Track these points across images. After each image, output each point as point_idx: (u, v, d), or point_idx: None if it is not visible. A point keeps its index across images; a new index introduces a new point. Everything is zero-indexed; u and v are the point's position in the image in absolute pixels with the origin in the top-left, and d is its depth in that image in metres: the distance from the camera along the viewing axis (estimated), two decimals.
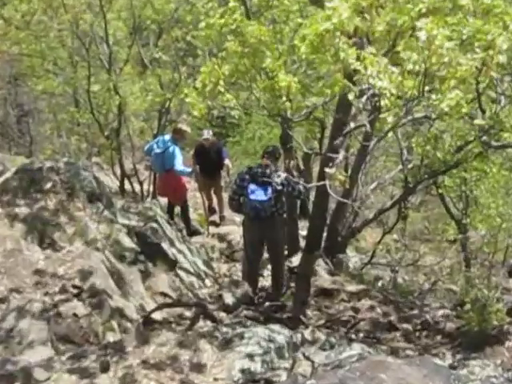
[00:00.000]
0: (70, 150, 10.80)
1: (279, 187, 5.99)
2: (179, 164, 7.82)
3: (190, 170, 8.02)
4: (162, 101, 8.97)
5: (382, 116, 3.77)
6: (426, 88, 3.70)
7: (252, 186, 6.00)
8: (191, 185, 9.91)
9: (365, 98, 4.09)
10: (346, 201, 6.16)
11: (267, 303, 6.10)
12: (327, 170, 3.92)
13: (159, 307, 5.42)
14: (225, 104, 4.75)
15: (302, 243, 7.10)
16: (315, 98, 5.23)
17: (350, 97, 3.72)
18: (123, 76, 9.75)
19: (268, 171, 6.04)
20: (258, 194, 5.96)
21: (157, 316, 5.28)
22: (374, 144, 5.12)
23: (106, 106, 9.17)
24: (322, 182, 4.20)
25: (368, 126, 4.18)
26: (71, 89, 9.85)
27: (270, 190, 5.95)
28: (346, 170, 7.68)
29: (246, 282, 6.19)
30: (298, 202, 7.81)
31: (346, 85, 3.68)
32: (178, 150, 7.87)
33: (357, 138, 6.62)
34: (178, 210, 8.52)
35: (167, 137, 8.14)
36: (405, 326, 5.90)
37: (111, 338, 4.79)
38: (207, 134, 8.88)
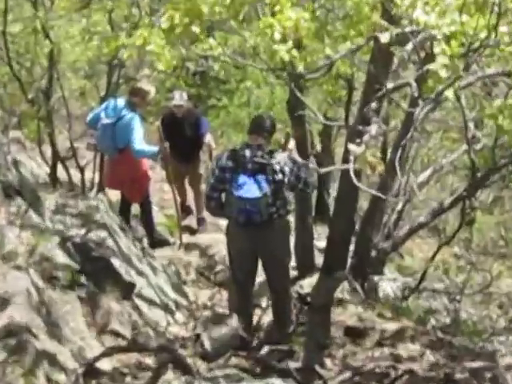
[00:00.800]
0: None
1: (278, 176, 5.98)
2: (139, 141, 7.80)
3: (154, 149, 8.00)
4: (114, 48, 8.94)
5: (433, 68, 3.75)
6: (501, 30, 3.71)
7: (238, 178, 5.97)
8: (156, 173, 9.92)
9: (411, 44, 4.11)
10: (382, 196, 6.14)
11: (267, 347, 6.13)
12: (352, 147, 3.86)
13: (108, 352, 5.45)
14: (206, 53, 4.74)
15: (319, 259, 7.13)
16: (338, 45, 5.24)
17: (384, 39, 3.71)
18: (56, 11, 9.72)
19: (260, 153, 6.05)
20: (247, 189, 5.92)
21: (104, 365, 5.30)
22: (423, 112, 5.08)
23: (31, 55, 9.15)
24: (344, 166, 4.16)
25: (414, 85, 4.17)
26: None
27: (265, 182, 5.95)
28: (385, 151, 7.71)
29: (235, 316, 6.22)
30: (314, 199, 7.85)
31: (378, 24, 3.68)
32: (136, 121, 7.86)
33: (400, 104, 6.62)
34: (136, 209, 8.55)
35: (121, 101, 8.14)
36: (468, 381, 5.93)
37: None
38: (180, 97, 8.90)
